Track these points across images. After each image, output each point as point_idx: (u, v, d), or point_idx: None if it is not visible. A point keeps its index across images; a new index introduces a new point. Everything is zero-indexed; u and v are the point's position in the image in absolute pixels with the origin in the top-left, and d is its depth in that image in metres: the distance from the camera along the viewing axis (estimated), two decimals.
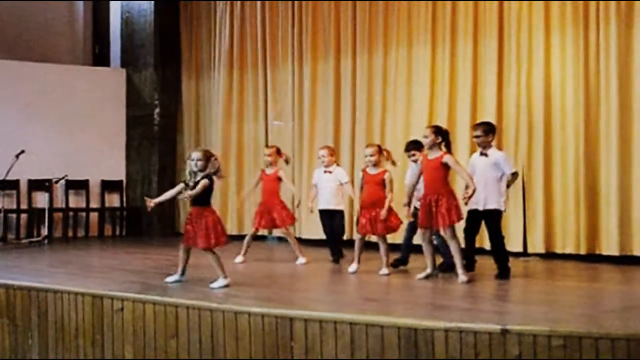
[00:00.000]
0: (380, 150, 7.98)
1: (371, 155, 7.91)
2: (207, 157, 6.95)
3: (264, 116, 12.14)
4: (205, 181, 6.83)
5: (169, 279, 7.21)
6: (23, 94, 12.50)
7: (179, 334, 6.00)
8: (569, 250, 9.21)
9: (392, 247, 8.26)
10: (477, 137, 7.72)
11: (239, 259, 8.98)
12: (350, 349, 5.29)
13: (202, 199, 6.94)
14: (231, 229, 12.19)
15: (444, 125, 9.91)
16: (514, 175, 7.86)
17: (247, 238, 9.16)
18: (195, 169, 6.91)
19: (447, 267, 7.99)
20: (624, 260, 8.75)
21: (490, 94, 9.80)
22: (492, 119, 9.66)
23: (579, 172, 9.13)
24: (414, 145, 8.20)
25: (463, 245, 7.57)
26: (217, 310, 5.85)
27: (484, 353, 4.94)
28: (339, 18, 11.28)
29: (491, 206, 7.53)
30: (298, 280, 8.01)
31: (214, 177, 6.92)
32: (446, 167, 7.28)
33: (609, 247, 8.90)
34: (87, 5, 14.28)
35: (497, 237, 7.65)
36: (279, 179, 9.03)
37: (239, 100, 12.48)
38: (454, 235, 7.32)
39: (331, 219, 8.98)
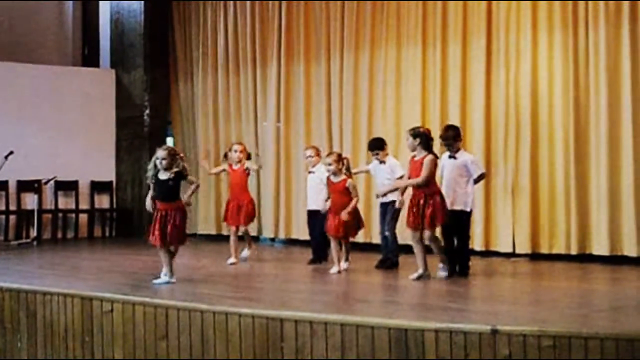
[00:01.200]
0: (339, 158, 8.03)
1: (329, 165, 7.97)
2: (172, 155, 7.16)
3: (254, 117, 12.12)
4: (192, 182, 7.26)
5: (157, 280, 7.19)
6: (12, 95, 12.44)
7: (169, 336, 5.99)
8: (559, 250, 9.22)
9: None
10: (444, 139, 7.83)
11: (231, 260, 8.95)
12: (341, 350, 5.29)
13: (173, 195, 7.18)
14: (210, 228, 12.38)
15: (436, 124, 10.01)
16: (481, 176, 7.97)
17: (231, 238, 9.10)
18: (160, 167, 7.12)
19: (391, 265, 8.20)
20: (614, 260, 8.77)
21: (479, 94, 9.81)
22: (480, 119, 9.74)
23: (569, 172, 9.15)
24: (376, 144, 8.47)
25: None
26: (208, 312, 5.84)
27: (474, 353, 4.95)
28: (329, 18, 11.26)
29: (458, 207, 7.62)
30: (288, 281, 7.99)
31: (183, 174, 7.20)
32: None
33: (600, 247, 8.93)
34: (76, 5, 14.22)
35: (463, 237, 7.76)
36: (247, 172, 9.05)
37: (228, 101, 12.45)
38: (436, 238, 7.47)
39: (315, 218, 8.94)
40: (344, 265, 8.09)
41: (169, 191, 7.15)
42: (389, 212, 8.28)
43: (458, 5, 10.02)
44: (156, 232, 7.11)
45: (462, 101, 9.95)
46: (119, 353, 6.24)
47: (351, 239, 8.29)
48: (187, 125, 13.10)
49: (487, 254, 9.54)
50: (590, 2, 9.07)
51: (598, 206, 8.97)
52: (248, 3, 12.13)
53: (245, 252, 9.17)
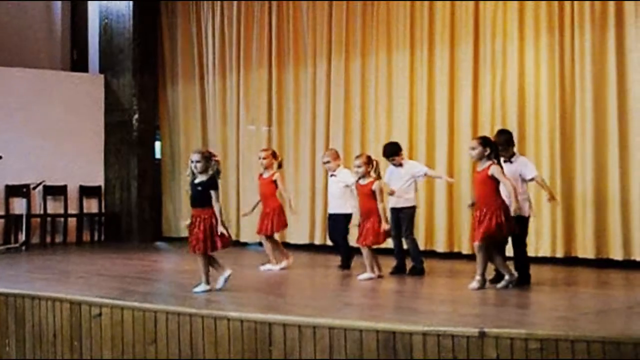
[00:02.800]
0: (369, 161, 7.87)
1: (359, 167, 7.83)
2: (206, 157, 6.99)
3: (240, 121, 12.13)
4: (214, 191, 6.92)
5: (197, 288, 6.99)
6: (1, 99, 12.40)
7: (157, 340, 5.99)
8: (544, 253, 9.24)
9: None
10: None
11: (267, 266, 8.77)
12: (329, 354, 5.31)
13: (202, 201, 6.96)
14: None
15: (422, 129, 10.04)
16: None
17: (265, 245, 8.93)
18: (196, 170, 6.95)
19: (417, 272, 8.08)
20: (600, 264, 8.82)
21: (466, 97, 9.85)
22: (467, 122, 9.80)
23: (555, 174, 9.17)
24: (392, 150, 8.32)
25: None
26: (196, 316, 5.85)
27: (461, 356, 4.98)
28: (317, 23, 11.30)
29: (520, 213, 7.34)
30: (280, 285, 8.00)
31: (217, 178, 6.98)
32: (494, 179, 7.02)
33: (585, 250, 8.97)
34: (65, 10, 14.20)
35: (523, 243, 7.58)
36: (274, 183, 8.77)
37: (215, 105, 12.47)
38: (482, 249, 7.16)
39: (336, 222, 8.84)
40: (365, 275, 7.82)
41: (198, 196, 6.95)
42: (404, 218, 8.19)
43: (445, 7, 10.06)
44: (190, 239, 6.99)
45: (450, 103, 9.99)
46: (107, 357, 6.24)
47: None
48: (176, 130, 13.09)
49: (474, 257, 9.53)
50: (575, 4, 9.12)
51: (584, 209, 9.01)
52: (235, 8, 12.15)
53: (268, 266, 8.81)
